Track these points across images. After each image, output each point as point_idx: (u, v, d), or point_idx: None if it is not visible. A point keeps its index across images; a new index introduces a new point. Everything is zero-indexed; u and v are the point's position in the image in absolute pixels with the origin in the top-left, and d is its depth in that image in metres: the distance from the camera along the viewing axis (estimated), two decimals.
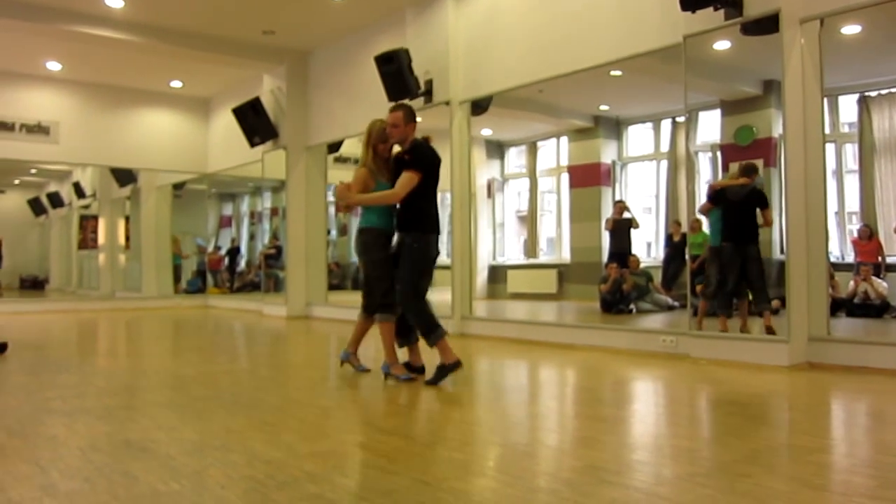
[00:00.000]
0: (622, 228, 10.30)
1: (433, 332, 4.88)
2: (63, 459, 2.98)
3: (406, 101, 5.14)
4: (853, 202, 9.46)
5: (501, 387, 5.19)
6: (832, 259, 8.02)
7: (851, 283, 8.43)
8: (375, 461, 2.99)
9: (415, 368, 5.08)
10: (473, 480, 2.74)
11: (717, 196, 6.47)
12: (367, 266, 5.10)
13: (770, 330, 5.80)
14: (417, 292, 4.90)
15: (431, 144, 5.08)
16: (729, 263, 6.31)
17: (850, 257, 9.10)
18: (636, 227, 10.34)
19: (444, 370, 4.86)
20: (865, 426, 3.93)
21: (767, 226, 6.37)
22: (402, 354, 5.15)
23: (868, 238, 8.73)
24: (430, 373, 4.93)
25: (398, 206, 4.95)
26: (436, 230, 4.99)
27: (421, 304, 4.93)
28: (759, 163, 8.11)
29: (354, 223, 14.83)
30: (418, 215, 4.90)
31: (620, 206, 10.52)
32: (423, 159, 4.91)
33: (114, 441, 3.28)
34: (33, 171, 14.79)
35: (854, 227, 9.33)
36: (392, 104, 5.24)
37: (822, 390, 4.74)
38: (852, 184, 9.49)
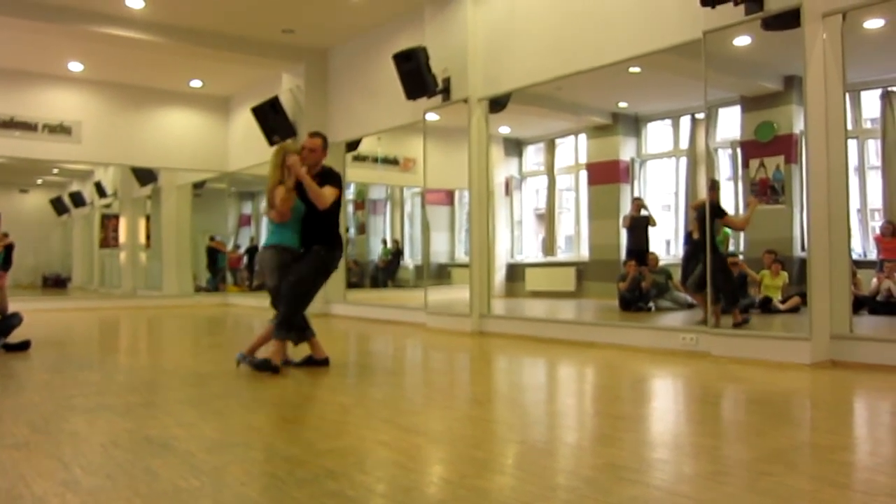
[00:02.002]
0: (639, 226, 10.25)
1: (288, 331, 5.25)
2: (85, 455, 3.01)
3: (322, 132, 5.54)
4: (876, 199, 9.35)
5: (520, 385, 5.18)
6: (854, 256, 7.93)
7: (874, 280, 8.33)
8: (395, 458, 3.00)
9: (318, 361, 5.41)
10: (493, 478, 2.74)
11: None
12: (277, 280, 5.39)
13: (728, 320, 6.26)
14: (303, 292, 5.26)
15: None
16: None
17: (873, 254, 8.99)
18: (653, 224, 10.28)
19: (266, 365, 5.13)
20: (889, 424, 3.88)
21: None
22: (304, 350, 5.49)
23: (891, 235, 8.62)
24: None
25: (312, 222, 5.33)
26: (341, 248, 5.49)
27: (301, 302, 5.30)
28: (780, 159, 8.06)
29: (372, 221, 14.97)
30: (331, 232, 5.37)
31: (638, 203, 10.47)
32: (340, 182, 5.41)
33: (135, 438, 3.31)
34: (55, 170, 14.97)
35: (877, 223, 9.22)
36: (313, 132, 5.69)
37: (844, 388, 4.68)
38: (875, 180, 9.38)
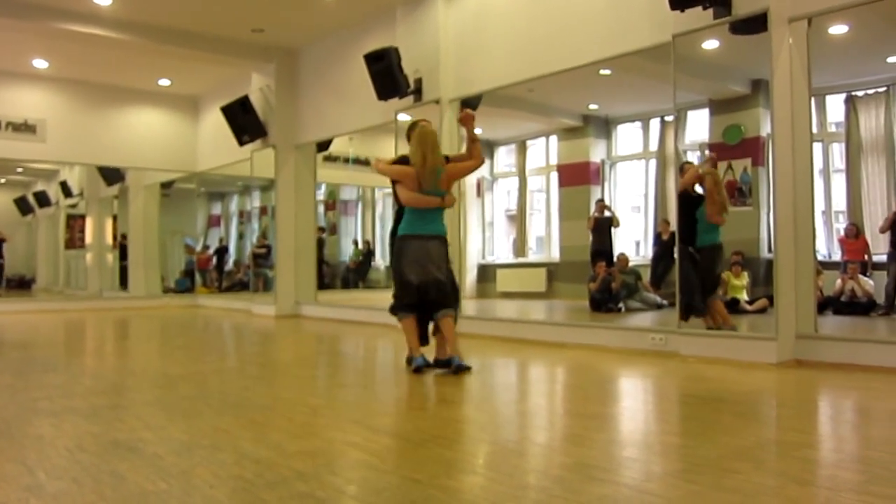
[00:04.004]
0: (603, 227, 10.39)
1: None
2: (50, 459, 2.95)
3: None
4: (840, 201, 9.53)
5: (491, 385, 5.19)
6: (819, 258, 8.07)
7: (838, 281, 8.48)
8: (365, 459, 2.98)
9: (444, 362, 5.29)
10: (463, 478, 2.74)
11: None
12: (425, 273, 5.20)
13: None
14: None
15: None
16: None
17: (838, 255, 9.16)
18: (617, 225, 10.43)
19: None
20: (852, 422, 3.96)
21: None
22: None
23: (855, 236, 8.80)
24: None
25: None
26: None
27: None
28: (747, 161, 8.18)
29: (344, 222, 14.91)
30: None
31: (601, 204, 10.64)
32: None
33: (101, 441, 3.26)
34: (20, 169, 14.70)
35: (841, 225, 9.39)
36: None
37: (809, 387, 4.76)
38: (839, 183, 9.56)
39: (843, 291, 8.37)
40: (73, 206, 14.81)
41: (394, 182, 5.27)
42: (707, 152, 8.15)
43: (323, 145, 11.15)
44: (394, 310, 5.32)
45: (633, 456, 3.05)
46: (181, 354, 6.82)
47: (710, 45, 6.31)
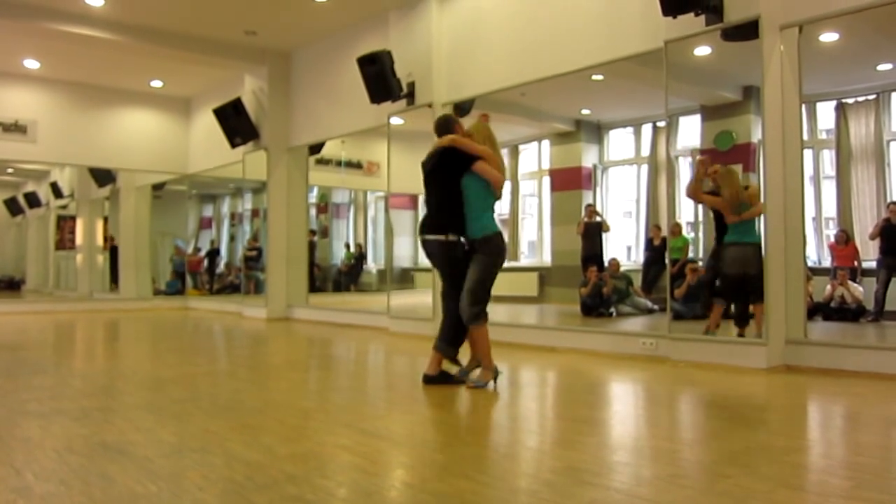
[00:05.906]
0: (593, 232, 10.42)
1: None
2: (38, 461, 2.94)
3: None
4: (830, 207, 9.57)
5: (482, 389, 5.19)
6: (809, 264, 8.10)
7: (828, 287, 8.52)
8: (356, 463, 2.98)
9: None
10: (454, 482, 2.74)
11: None
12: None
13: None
14: None
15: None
16: None
17: (828, 262, 9.20)
18: (606, 230, 10.45)
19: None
20: (841, 428, 3.97)
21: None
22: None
23: (845, 243, 8.84)
24: None
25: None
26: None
27: None
28: (738, 168, 8.20)
29: (335, 225, 14.88)
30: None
31: (591, 209, 10.67)
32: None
33: (90, 443, 3.24)
34: (10, 170, 14.61)
35: (831, 232, 9.44)
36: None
37: (798, 392, 4.78)
38: (829, 189, 9.60)
39: (833, 297, 8.41)
40: (64, 207, 14.74)
41: (467, 170, 5.14)
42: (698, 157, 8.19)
43: (315, 148, 11.14)
44: (486, 313, 5.16)
45: (623, 460, 3.06)
46: (171, 357, 6.79)
47: (702, 51, 6.34)
